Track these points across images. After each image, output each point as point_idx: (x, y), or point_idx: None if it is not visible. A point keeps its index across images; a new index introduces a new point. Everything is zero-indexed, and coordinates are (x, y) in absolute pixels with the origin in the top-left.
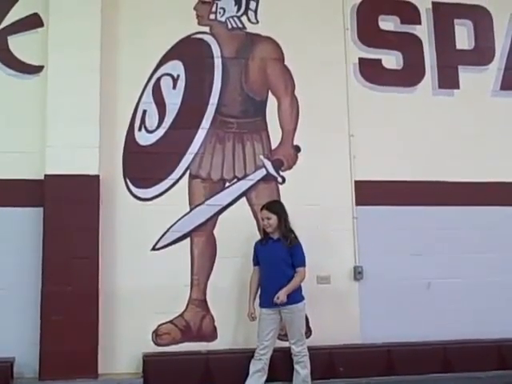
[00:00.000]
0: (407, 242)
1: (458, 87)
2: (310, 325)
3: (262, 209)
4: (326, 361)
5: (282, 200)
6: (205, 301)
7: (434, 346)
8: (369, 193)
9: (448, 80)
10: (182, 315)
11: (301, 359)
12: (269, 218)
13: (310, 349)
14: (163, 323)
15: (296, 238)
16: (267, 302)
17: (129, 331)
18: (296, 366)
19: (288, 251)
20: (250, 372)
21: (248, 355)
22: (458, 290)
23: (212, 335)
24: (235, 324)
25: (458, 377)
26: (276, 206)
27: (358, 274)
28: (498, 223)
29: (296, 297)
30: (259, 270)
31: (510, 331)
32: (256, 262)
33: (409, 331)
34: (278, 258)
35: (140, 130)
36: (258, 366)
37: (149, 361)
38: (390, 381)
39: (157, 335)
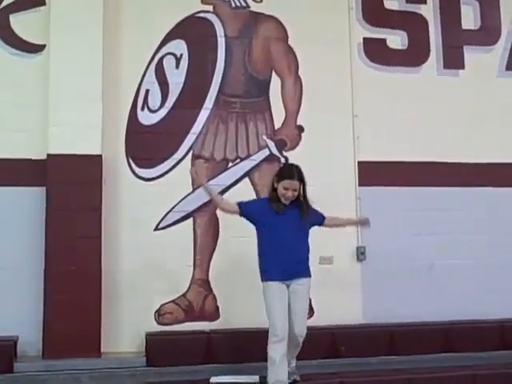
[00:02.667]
0: (410, 223)
1: (463, 67)
2: (313, 305)
3: (288, 178)
4: (329, 341)
5: None
6: (207, 281)
7: (436, 326)
8: (372, 173)
9: (453, 60)
10: (184, 295)
11: (300, 344)
12: (295, 190)
13: (312, 329)
14: (166, 303)
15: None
16: (280, 274)
17: (132, 311)
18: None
19: (304, 221)
20: (277, 359)
21: (250, 335)
22: (460, 270)
23: (214, 315)
24: (237, 304)
25: (460, 357)
26: (303, 174)
27: (360, 254)
28: (501, 204)
29: (309, 268)
30: (270, 238)
31: (511, 311)
32: (248, 210)
33: (411, 311)
34: (298, 227)
35: (143, 109)
36: (282, 349)
37: (151, 340)
38: (391, 360)
39: (159, 315)
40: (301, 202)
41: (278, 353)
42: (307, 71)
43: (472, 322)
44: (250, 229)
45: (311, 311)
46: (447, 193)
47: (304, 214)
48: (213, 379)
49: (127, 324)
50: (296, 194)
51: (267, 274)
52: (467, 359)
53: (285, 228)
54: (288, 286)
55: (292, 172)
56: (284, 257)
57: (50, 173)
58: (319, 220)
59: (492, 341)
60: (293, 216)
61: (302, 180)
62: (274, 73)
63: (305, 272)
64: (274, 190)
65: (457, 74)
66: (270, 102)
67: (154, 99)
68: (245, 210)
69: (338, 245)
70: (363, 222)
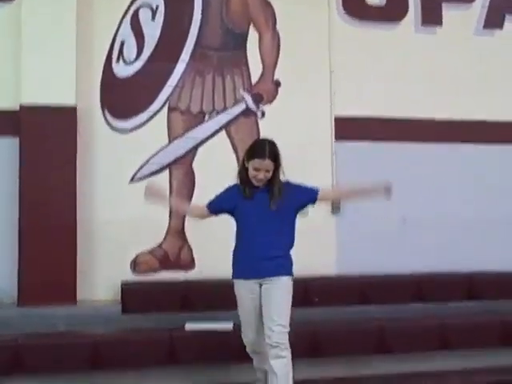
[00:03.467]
0: (385, 178)
1: (441, 24)
2: None
3: (259, 157)
4: (301, 291)
5: (262, 135)
6: (183, 231)
7: (408, 277)
8: (348, 129)
9: (431, 17)
10: (160, 245)
11: (282, 352)
12: (268, 171)
13: None
14: (141, 253)
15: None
16: (247, 271)
17: (107, 261)
18: (273, 362)
19: (281, 207)
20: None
21: (225, 284)
22: (432, 225)
23: (190, 265)
24: (213, 254)
25: (429, 307)
26: (278, 153)
27: (335, 208)
28: (472, 160)
29: (290, 264)
30: (240, 228)
31: (480, 264)
32: (218, 208)
33: (384, 264)
34: (273, 214)
35: (118, 61)
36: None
37: (127, 288)
38: (364, 310)
39: (135, 264)
40: (271, 186)
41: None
42: (285, 26)
43: (442, 274)
44: (225, 182)
45: None
46: (421, 149)
47: (272, 200)
48: (187, 326)
49: (103, 273)
50: (269, 175)
51: (233, 269)
52: (435, 308)
53: (255, 215)
54: (260, 286)
55: (263, 150)
56: (252, 250)
57: (24, 124)
58: (309, 197)
59: (461, 292)
60: (267, 201)
61: (276, 159)
62: (251, 26)
63: (280, 269)
64: (245, 169)
65: (434, 32)
66: (247, 55)
67: (130, 51)
68: (214, 207)
69: None
70: (382, 190)
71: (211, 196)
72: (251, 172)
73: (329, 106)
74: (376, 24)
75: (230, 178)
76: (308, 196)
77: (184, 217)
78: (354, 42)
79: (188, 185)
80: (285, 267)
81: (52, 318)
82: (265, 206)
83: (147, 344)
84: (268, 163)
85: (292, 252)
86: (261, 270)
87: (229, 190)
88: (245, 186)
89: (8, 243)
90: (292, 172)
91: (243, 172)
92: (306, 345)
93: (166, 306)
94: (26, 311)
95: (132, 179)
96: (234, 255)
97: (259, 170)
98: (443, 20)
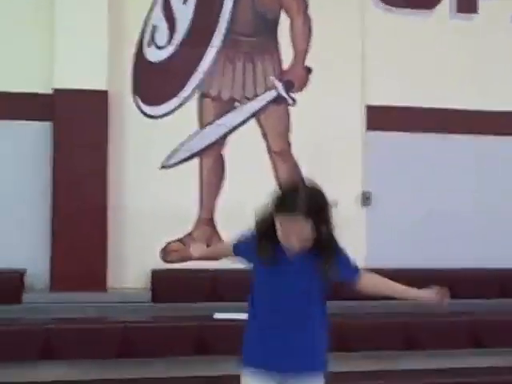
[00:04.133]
0: (416, 169)
1: (476, 11)
2: None
3: (283, 210)
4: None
5: (292, 123)
6: (213, 220)
7: (437, 272)
8: (380, 118)
9: (466, 4)
10: (190, 234)
11: None
12: (302, 232)
13: None
14: (172, 241)
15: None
16: (263, 359)
17: (137, 248)
18: None
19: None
20: None
21: None
22: (466, 218)
23: None
24: None
25: (458, 303)
26: (316, 201)
27: (365, 199)
28: (510, 152)
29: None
30: (254, 286)
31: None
32: (241, 254)
33: (415, 258)
34: (307, 290)
35: (150, 46)
36: None
37: (157, 276)
38: (391, 305)
39: (165, 252)
40: (320, 250)
41: None
42: (317, 11)
43: (473, 270)
44: (255, 170)
45: None
46: (456, 140)
47: (325, 271)
48: (216, 315)
49: (133, 261)
50: (305, 237)
51: (243, 355)
52: (466, 306)
53: (283, 289)
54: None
55: (289, 200)
56: (274, 336)
57: (56, 108)
58: (349, 275)
59: (491, 289)
60: (301, 270)
61: (316, 213)
62: (282, 12)
63: (312, 364)
64: (271, 219)
65: (470, 19)
66: (278, 41)
67: (161, 36)
68: (238, 252)
69: (343, 189)
70: (436, 297)
71: (240, 184)
72: (278, 231)
73: (360, 94)
74: (410, 11)
75: (260, 166)
76: (348, 274)
77: (214, 205)
78: (386, 29)
79: (218, 172)
80: (321, 362)
81: (82, 304)
82: (300, 277)
83: (176, 332)
84: (300, 222)
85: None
86: (282, 364)
87: (250, 239)
88: (266, 243)
89: (41, 228)
90: (322, 160)
91: (267, 221)
92: (333, 338)
93: (196, 294)
94: (58, 297)
95: (163, 165)
96: (245, 333)
97: (286, 229)
98: (479, 7)
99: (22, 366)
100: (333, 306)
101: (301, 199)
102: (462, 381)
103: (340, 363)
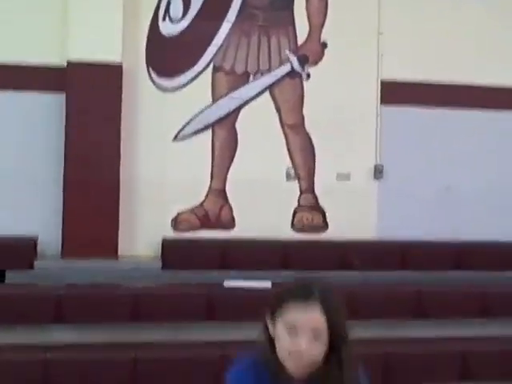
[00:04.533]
0: (430, 144)
1: None
2: (328, 220)
3: (299, 300)
4: (341, 255)
5: (306, 97)
6: (224, 191)
7: (449, 245)
8: (395, 92)
9: None
10: (201, 204)
11: None
12: (318, 336)
13: (326, 242)
14: (183, 211)
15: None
16: None
17: (149, 217)
18: None
19: None
20: None
21: (265, 244)
22: (477, 194)
23: (230, 224)
24: (253, 214)
25: (468, 274)
26: (337, 305)
27: (378, 172)
28: None
29: None
30: None
31: None
32: None
33: (424, 230)
34: None
35: (164, 19)
36: None
37: (167, 245)
38: (402, 275)
39: (176, 222)
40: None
41: None
42: None
43: (485, 244)
44: (268, 143)
45: (325, 225)
46: (470, 116)
47: None
48: (226, 283)
49: (144, 229)
50: (322, 349)
51: None
52: (476, 277)
53: None
54: None
55: (308, 289)
56: None
57: (70, 80)
58: None
59: (504, 261)
60: None
61: (334, 315)
62: None
63: None
64: (270, 340)
65: None
66: (293, 15)
67: (176, 10)
68: None
69: (356, 162)
70: None
71: (252, 156)
72: (282, 341)
73: (376, 68)
74: None
75: (273, 139)
76: None
77: (225, 177)
78: (403, 3)
79: (231, 145)
80: None
81: (94, 271)
82: None
83: (186, 299)
84: (317, 316)
85: (332, 216)
86: None
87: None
88: (271, 374)
89: (53, 197)
90: (336, 133)
91: (266, 346)
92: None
93: (206, 263)
94: (69, 263)
95: (175, 138)
96: None
97: (299, 332)
98: None
99: (35, 329)
100: (343, 276)
101: (318, 291)
102: (471, 349)
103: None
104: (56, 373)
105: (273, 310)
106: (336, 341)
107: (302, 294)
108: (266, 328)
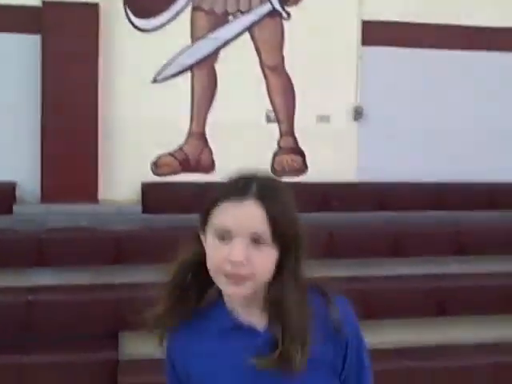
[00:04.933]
0: (411, 85)
1: None
2: (307, 162)
3: (233, 196)
4: (321, 196)
5: (286, 38)
6: (204, 134)
7: (426, 186)
8: (376, 33)
9: None
10: (181, 148)
11: None
12: (258, 240)
13: (305, 184)
14: (162, 154)
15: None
16: None
17: (128, 161)
18: None
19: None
20: None
21: None
22: (454, 135)
23: (210, 167)
24: (233, 157)
25: (446, 214)
26: (277, 192)
27: (357, 114)
28: (506, 71)
29: None
30: None
31: (501, 175)
32: None
33: (404, 172)
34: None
35: None
36: None
37: (147, 189)
38: (381, 216)
39: (156, 165)
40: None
41: None
42: None
43: (462, 184)
44: (248, 84)
45: (305, 167)
46: (451, 57)
47: (283, 351)
48: None
49: (124, 173)
50: (265, 258)
51: None
52: (453, 217)
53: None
54: None
55: (245, 184)
56: None
57: (46, 21)
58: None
59: (480, 201)
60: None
61: (277, 210)
62: None
63: None
64: (199, 255)
65: None
66: None
67: None
68: None
69: (336, 103)
70: None
71: (232, 98)
72: (212, 252)
73: (357, 9)
74: None
75: (253, 80)
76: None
77: (205, 120)
78: None
79: (210, 87)
80: None
81: (74, 215)
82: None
83: (167, 242)
84: (254, 213)
85: (312, 158)
86: None
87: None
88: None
89: (30, 141)
90: (316, 74)
91: (193, 266)
92: (322, 246)
93: (186, 206)
94: (49, 208)
95: (154, 80)
96: None
97: (232, 240)
98: None
99: (18, 273)
100: (323, 217)
101: (255, 182)
102: (444, 285)
103: (329, 269)
104: (39, 315)
105: (203, 219)
106: (286, 246)
107: (235, 190)
108: (197, 246)
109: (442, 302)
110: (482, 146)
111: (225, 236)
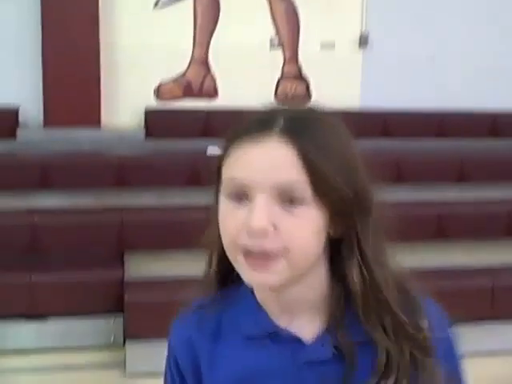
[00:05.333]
0: (418, 11)
1: None
2: (311, 89)
3: (253, 132)
4: None
5: None
6: (207, 60)
7: (431, 114)
8: None
9: None
10: (184, 74)
11: None
12: (277, 177)
13: None
14: (165, 81)
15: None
16: None
17: (131, 86)
18: None
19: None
20: None
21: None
22: (461, 62)
23: (213, 94)
24: (236, 83)
25: (449, 143)
26: (325, 150)
27: (363, 41)
28: None
29: None
30: None
31: (505, 103)
32: None
33: (408, 101)
34: None
35: None
36: None
37: (150, 114)
38: (384, 144)
39: (158, 92)
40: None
41: None
42: None
43: (466, 112)
44: (253, 9)
45: (308, 96)
46: None
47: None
48: (209, 150)
49: (127, 98)
50: (301, 225)
51: None
52: (457, 145)
53: None
54: None
55: (266, 118)
56: None
57: None
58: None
59: (484, 130)
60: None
61: (321, 154)
62: None
63: None
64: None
65: None
66: None
67: None
68: None
69: (341, 29)
70: None
71: (236, 26)
72: (224, 218)
73: None
74: None
75: (256, 5)
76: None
77: (208, 46)
78: None
79: (213, 12)
80: None
81: (77, 140)
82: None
83: (170, 166)
84: (280, 155)
85: (315, 85)
86: None
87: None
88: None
89: (32, 66)
90: (320, 3)
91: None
92: None
93: (189, 132)
94: (52, 133)
95: (156, 4)
96: None
97: (249, 198)
98: None
99: (22, 196)
100: None
101: (284, 114)
102: (445, 210)
103: None
104: (45, 236)
105: (216, 177)
106: (340, 210)
107: (252, 127)
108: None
109: (441, 226)
110: (485, 73)
111: (241, 195)
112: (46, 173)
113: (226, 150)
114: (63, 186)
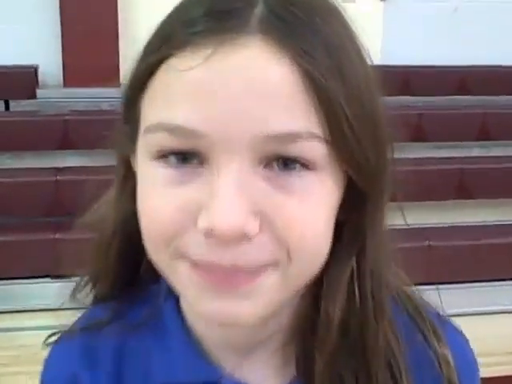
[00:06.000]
0: None
1: None
2: None
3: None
4: None
5: None
6: None
7: (454, 69)
8: None
9: None
10: None
11: None
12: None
13: None
14: None
15: None
16: None
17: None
18: None
19: None
20: None
21: None
22: (485, 14)
23: None
24: None
25: (473, 99)
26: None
27: None
28: None
29: None
30: None
31: None
32: None
33: (431, 55)
34: None
35: None
36: None
37: None
38: (406, 100)
39: None
40: None
41: None
42: None
43: (490, 67)
44: None
45: None
46: None
47: None
48: None
49: None
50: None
51: None
52: (483, 101)
53: None
54: None
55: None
56: None
57: None
58: None
59: (507, 87)
60: None
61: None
62: None
63: None
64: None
65: None
66: None
67: None
68: None
69: None
70: None
71: None
72: (154, 197)
73: None
74: None
75: None
76: None
77: None
78: None
79: None
80: None
81: (97, 99)
82: None
83: None
84: (274, 75)
85: None
86: None
87: None
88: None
89: (51, 27)
90: None
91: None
92: None
93: None
94: (71, 92)
95: None
96: None
97: (208, 162)
98: None
99: (44, 155)
100: None
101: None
102: (467, 168)
103: None
104: (67, 193)
105: (130, 114)
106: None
107: (216, 16)
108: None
109: (463, 184)
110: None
111: (189, 157)
112: (68, 132)
113: (149, 69)
114: (85, 145)
